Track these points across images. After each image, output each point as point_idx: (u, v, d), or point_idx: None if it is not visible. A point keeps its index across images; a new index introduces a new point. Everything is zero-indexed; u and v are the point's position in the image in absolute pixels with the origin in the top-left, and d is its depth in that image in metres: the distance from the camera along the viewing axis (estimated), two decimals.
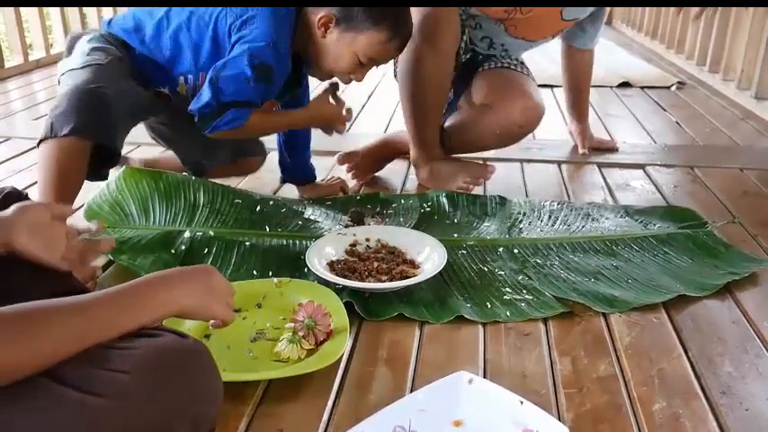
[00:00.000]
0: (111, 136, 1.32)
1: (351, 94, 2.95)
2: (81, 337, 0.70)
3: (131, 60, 1.45)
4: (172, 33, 1.42)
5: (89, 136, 1.27)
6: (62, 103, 1.28)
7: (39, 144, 1.29)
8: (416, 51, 1.66)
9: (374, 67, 1.48)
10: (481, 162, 1.88)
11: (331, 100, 1.53)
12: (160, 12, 1.44)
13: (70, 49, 1.47)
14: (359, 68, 1.45)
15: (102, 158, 1.35)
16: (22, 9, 3.25)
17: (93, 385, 0.66)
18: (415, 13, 1.58)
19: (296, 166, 1.75)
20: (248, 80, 1.34)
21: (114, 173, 1.49)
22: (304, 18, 1.43)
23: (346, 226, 1.54)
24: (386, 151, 1.98)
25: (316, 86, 1.69)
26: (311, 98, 1.59)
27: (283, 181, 1.79)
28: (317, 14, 1.40)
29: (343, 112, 1.54)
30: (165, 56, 1.43)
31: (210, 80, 1.34)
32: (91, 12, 3.81)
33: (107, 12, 3.93)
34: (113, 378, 0.67)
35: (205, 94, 1.35)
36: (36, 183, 1.30)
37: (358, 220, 1.58)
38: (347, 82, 1.49)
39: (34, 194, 1.19)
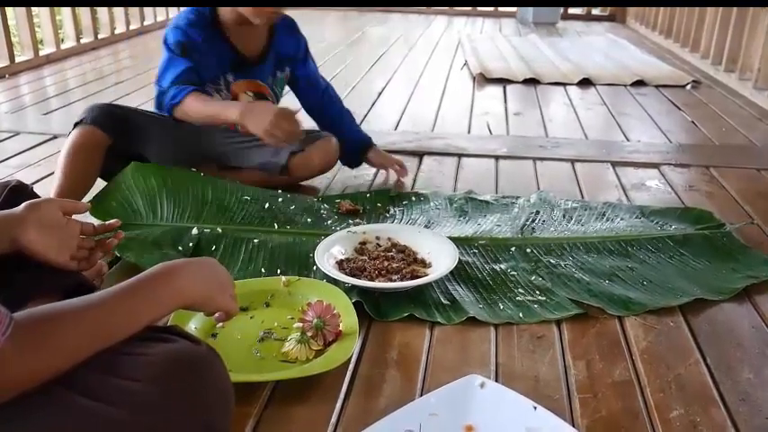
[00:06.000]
0: (124, 135, 1.58)
1: (362, 90, 2.94)
2: (97, 339, 0.68)
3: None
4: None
5: (102, 127, 1.55)
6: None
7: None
8: None
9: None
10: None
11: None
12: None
13: None
14: None
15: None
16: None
17: (105, 393, 0.65)
18: None
19: (351, 137, 1.83)
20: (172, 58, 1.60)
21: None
22: None
23: (356, 224, 1.52)
24: None
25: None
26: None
27: (347, 162, 1.86)
28: None
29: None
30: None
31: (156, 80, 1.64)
32: (102, 10, 3.80)
33: (118, 10, 3.93)
34: (125, 386, 0.66)
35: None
36: (44, 177, 1.29)
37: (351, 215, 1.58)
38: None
39: (41, 189, 1.17)
